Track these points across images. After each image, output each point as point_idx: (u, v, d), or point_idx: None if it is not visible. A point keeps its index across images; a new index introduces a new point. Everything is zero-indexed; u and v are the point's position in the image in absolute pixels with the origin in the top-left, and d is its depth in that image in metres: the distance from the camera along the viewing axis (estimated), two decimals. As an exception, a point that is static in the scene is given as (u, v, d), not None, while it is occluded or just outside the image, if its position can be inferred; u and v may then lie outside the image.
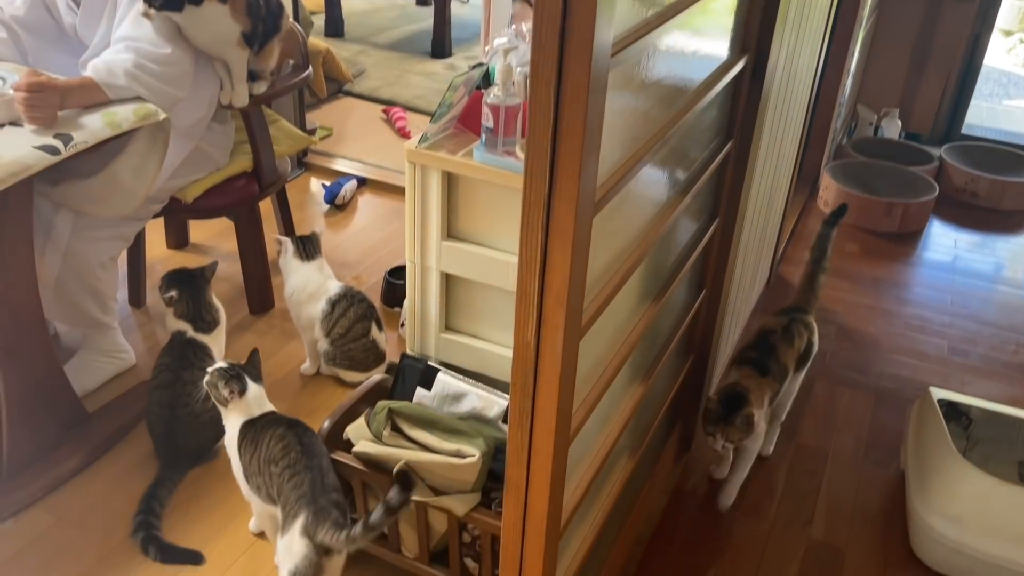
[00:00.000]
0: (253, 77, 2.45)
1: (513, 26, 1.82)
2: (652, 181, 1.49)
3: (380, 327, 2.53)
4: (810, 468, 2.33)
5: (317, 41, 4.42)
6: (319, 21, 5.34)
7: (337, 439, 1.80)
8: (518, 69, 1.65)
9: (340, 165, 3.85)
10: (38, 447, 2.12)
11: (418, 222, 1.78)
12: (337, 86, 4.60)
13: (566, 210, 1.04)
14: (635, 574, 1.97)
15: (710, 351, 2.23)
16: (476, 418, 1.79)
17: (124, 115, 2.02)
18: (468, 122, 1.76)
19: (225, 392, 1.78)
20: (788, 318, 2.24)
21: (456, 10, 5.61)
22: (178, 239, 3.17)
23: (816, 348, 2.32)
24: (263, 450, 1.72)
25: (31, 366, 2.06)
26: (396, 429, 1.72)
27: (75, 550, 1.95)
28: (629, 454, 1.80)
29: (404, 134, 4.21)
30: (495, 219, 1.73)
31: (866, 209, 3.64)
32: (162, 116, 2.09)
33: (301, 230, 3.22)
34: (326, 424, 1.80)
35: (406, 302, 2.65)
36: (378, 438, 1.71)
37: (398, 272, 2.95)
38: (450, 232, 1.78)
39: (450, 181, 1.73)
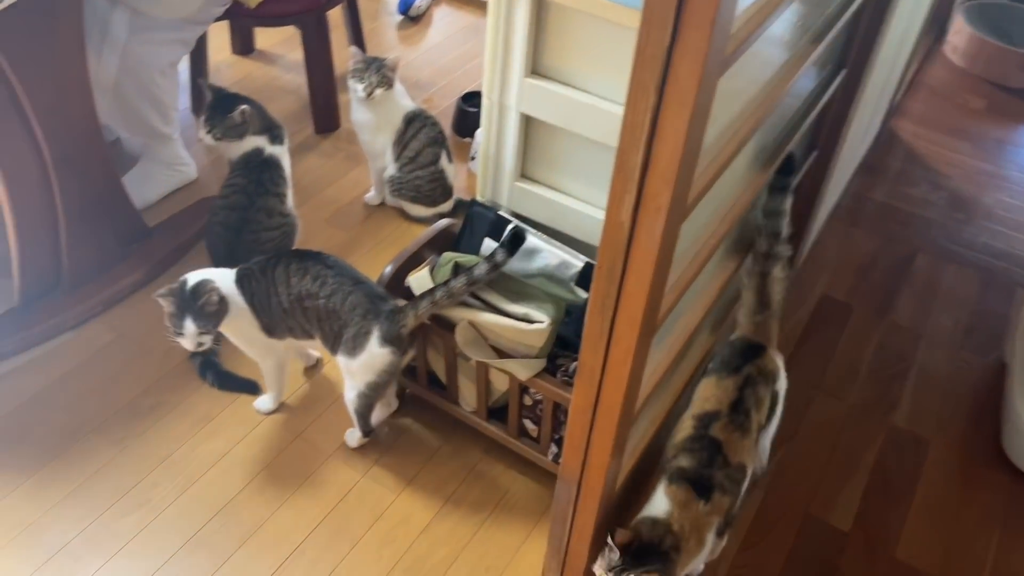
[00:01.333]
0: None
1: None
2: (781, 28, 1.25)
3: (450, 158, 2.37)
4: (900, 349, 2.17)
5: None
6: None
7: (398, 286, 1.69)
8: None
9: (417, -29, 3.53)
10: (98, 260, 2.07)
11: (499, 54, 1.56)
12: None
13: (689, 68, 0.83)
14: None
15: (810, 215, 2.02)
16: (547, 277, 1.65)
17: (179, -95, 1.80)
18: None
19: None
20: (738, 382, 1.49)
21: None
22: (243, 44, 2.98)
23: (783, 394, 1.61)
24: (283, 291, 1.64)
25: (88, 176, 1.97)
26: (461, 284, 1.60)
27: (135, 369, 1.94)
28: (710, 330, 1.66)
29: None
30: (589, 57, 1.51)
31: (999, 60, 3.23)
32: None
33: (372, 44, 3.01)
34: (388, 269, 1.69)
35: (479, 139, 2.49)
36: (442, 292, 1.59)
37: (472, 98, 2.74)
38: (535, 68, 1.57)
39: (540, 8, 1.50)
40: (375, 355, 1.59)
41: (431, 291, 1.56)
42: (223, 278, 1.66)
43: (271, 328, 1.69)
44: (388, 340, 1.58)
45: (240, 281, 1.67)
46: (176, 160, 2.41)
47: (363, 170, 2.55)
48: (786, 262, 1.57)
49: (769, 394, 1.52)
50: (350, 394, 1.69)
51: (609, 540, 1.28)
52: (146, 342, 2.01)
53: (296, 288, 1.63)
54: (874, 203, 2.64)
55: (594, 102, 1.53)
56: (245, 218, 2.02)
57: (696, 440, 1.43)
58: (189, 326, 1.60)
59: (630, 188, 0.94)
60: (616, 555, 1.27)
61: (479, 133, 2.56)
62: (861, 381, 2.07)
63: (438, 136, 2.30)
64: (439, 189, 2.35)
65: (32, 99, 1.77)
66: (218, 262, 2.10)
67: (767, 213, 1.54)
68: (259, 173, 2.03)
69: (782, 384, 1.58)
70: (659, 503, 1.36)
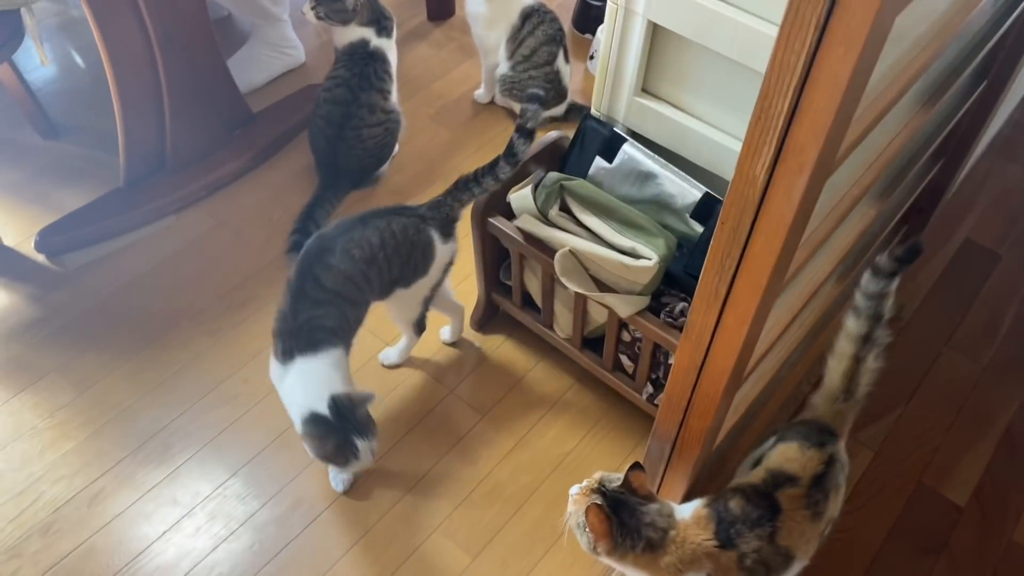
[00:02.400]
0: None
1: None
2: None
3: (567, 58, 2.20)
4: (1048, 309, 1.94)
5: None
6: None
7: (498, 201, 1.59)
8: None
9: None
10: (201, 144, 2.04)
11: (630, -50, 1.38)
12: None
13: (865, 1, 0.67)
14: (808, 397, 1.75)
15: (966, 153, 1.79)
16: (660, 205, 1.52)
17: None
18: None
19: None
20: (823, 456, 1.24)
21: None
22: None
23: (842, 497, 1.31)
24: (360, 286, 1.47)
25: (192, 56, 1.91)
26: (565, 209, 1.48)
27: (232, 258, 1.93)
28: (836, 281, 1.50)
29: None
30: (732, -38, 1.32)
31: None
32: None
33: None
34: (490, 183, 1.58)
35: (600, 38, 2.30)
36: (544, 215, 1.48)
37: (596, -9, 2.54)
38: (670, -31, 1.38)
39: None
40: (441, 252, 1.56)
41: (468, 182, 1.54)
42: (324, 365, 1.41)
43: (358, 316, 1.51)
44: (446, 235, 1.55)
45: (331, 338, 1.43)
46: (284, 43, 2.33)
47: (474, 64, 2.41)
48: (883, 349, 1.30)
49: (844, 485, 1.27)
50: (412, 312, 1.63)
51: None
52: (245, 231, 1.99)
53: (357, 272, 1.45)
54: (1040, 137, 2.34)
55: (733, 13, 1.34)
56: (348, 113, 1.94)
57: (759, 494, 1.20)
58: (361, 443, 1.38)
59: (770, 140, 0.80)
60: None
61: (601, 31, 2.38)
62: (1000, 340, 1.87)
63: (556, 34, 2.14)
64: (553, 91, 2.20)
65: (137, -25, 1.70)
66: (319, 156, 2.04)
67: (870, 296, 1.26)
68: (363, 66, 1.94)
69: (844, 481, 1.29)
70: (683, 509, 1.22)
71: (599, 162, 1.58)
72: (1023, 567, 1.54)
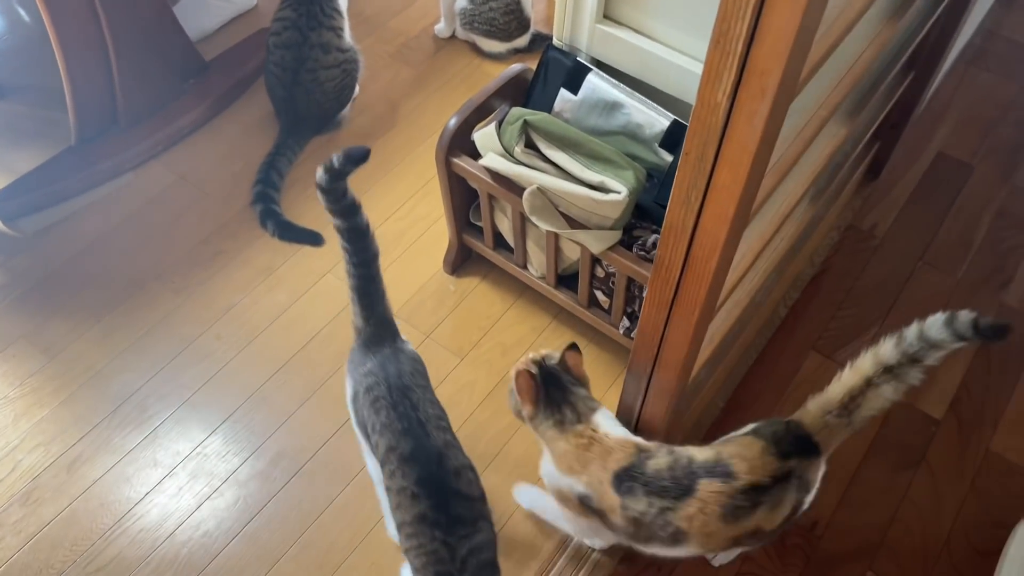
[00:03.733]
0: None
1: None
2: None
3: (530, -12, 2.13)
4: (1023, 218, 1.94)
5: None
6: None
7: (463, 141, 1.55)
8: None
9: None
10: (154, 97, 1.97)
11: None
12: None
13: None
14: (785, 320, 1.75)
15: (936, 65, 1.76)
16: (629, 136, 1.48)
17: None
18: None
19: None
20: (776, 469, 1.13)
21: None
22: None
23: (803, 509, 1.20)
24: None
25: (136, 4, 1.83)
26: (531, 146, 1.45)
27: (195, 213, 1.89)
28: (810, 200, 1.48)
29: None
30: None
31: None
32: None
33: None
34: (452, 122, 1.54)
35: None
36: (509, 153, 1.44)
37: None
38: None
39: None
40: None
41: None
42: None
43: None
44: None
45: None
46: (234, -15, 2.24)
47: (433, -2, 2.34)
48: (903, 389, 1.14)
49: (792, 504, 1.16)
50: None
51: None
52: (206, 185, 1.94)
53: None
54: (1013, 44, 2.30)
55: (694, -69, 1.29)
56: (300, 56, 1.88)
57: (684, 471, 1.14)
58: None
59: (729, 64, 0.76)
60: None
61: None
62: (973, 253, 1.87)
63: (516, -38, 2.06)
64: (515, 22, 2.14)
65: (69, -81, 1.61)
66: (277, 103, 1.98)
67: (925, 339, 1.09)
68: (308, 4, 1.87)
69: (810, 499, 1.20)
70: (615, 426, 1.22)
71: (564, 94, 1.54)
72: (1001, 475, 1.56)
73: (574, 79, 1.52)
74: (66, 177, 1.86)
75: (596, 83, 1.50)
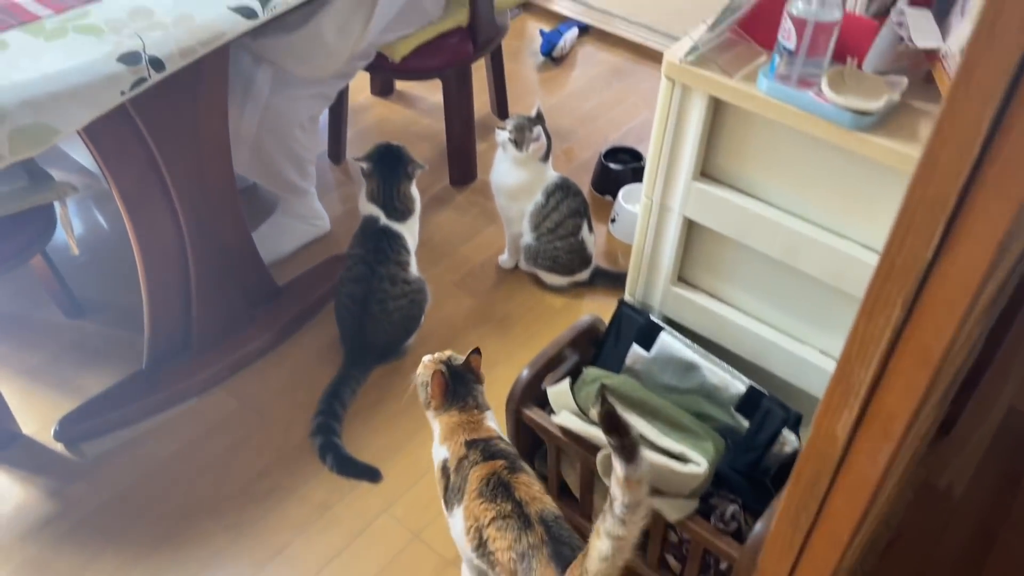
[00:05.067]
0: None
1: None
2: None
3: (591, 227, 2.21)
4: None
5: None
6: None
7: (534, 390, 1.55)
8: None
9: (561, 6, 3.39)
10: (226, 323, 2.02)
11: (665, 153, 1.39)
12: (567, -95, 4.03)
13: (958, 286, 0.64)
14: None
15: (1009, 326, 1.75)
16: (705, 396, 1.47)
17: (330, -33, 1.71)
18: (752, 27, 1.31)
19: None
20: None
21: None
22: (383, 86, 2.92)
23: None
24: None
25: (221, 239, 1.92)
26: (607, 407, 1.44)
27: (255, 442, 1.88)
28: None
29: (637, -28, 3.64)
30: (772, 165, 1.32)
31: None
32: (372, -32, 1.76)
33: (512, 87, 2.88)
34: (524, 374, 1.55)
35: (622, 200, 2.33)
36: (584, 413, 1.43)
37: (615, 154, 2.58)
38: (705, 170, 1.39)
39: (717, 107, 1.31)
40: None
41: None
42: None
43: None
44: None
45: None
46: (310, 214, 2.35)
47: (498, 228, 2.42)
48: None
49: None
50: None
51: None
52: (268, 413, 1.94)
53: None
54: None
55: (771, 214, 1.33)
56: (369, 288, 1.94)
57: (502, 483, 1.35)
58: None
59: (851, 404, 0.75)
60: None
61: (622, 193, 2.41)
62: (1057, 521, 1.79)
63: (580, 206, 2.15)
64: (577, 259, 2.20)
65: (171, 166, 1.72)
66: (345, 333, 2.02)
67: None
68: (377, 241, 1.96)
69: None
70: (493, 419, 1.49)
71: (636, 350, 1.54)
72: None
73: (647, 336, 1.54)
74: (133, 402, 1.88)
75: (670, 342, 1.51)
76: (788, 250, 1.33)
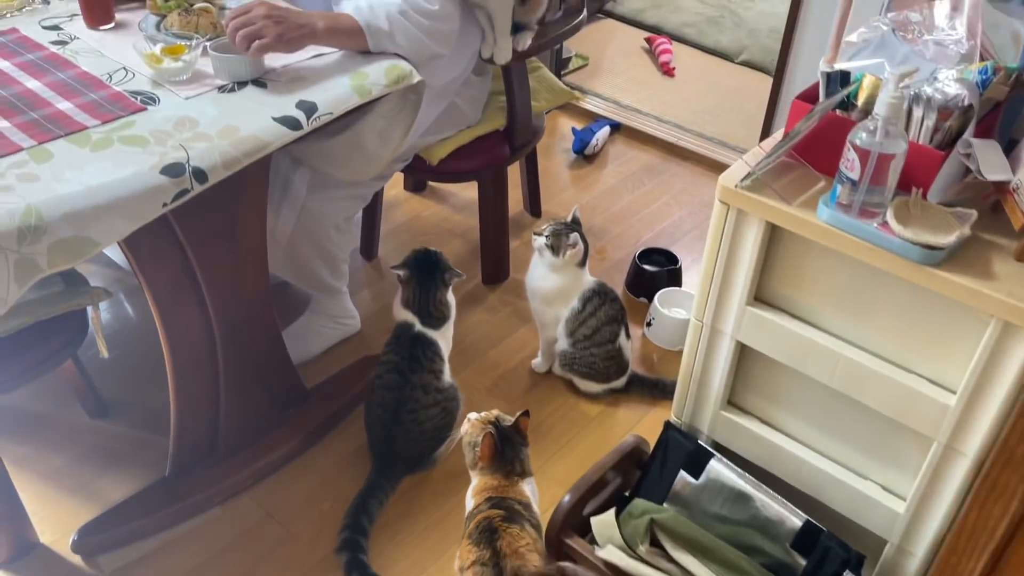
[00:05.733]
0: (517, 29, 2.06)
1: (890, 16, 1.29)
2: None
3: (628, 334, 2.16)
4: None
5: (583, -47, 3.92)
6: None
7: (576, 517, 1.47)
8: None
9: (593, 104, 3.42)
10: (253, 428, 1.97)
11: (717, 275, 1.35)
12: (598, 4, 4.12)
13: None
14: None
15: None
16: (758, 529, 1.39)
17: (375, 78, 1.71)
18: (809, 153, 1.29)
19: None
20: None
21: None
22: (416, 182, 2.92)
23: None
24: None
25: (253, 343, 1.88)
26: (655, 543, 1.36)
27: (280, 556, 1.80)
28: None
29: (668, 71, 3.70)
30: (831, 293, 1.27)
31: None
32: (416, 79, 1.76)
33: (545, 183, 2.88)
34: (566, 500, 1.48)
35: (657, 304, 2.29)
36: (632, 548, 1.36)
37: (649, 255, 2.55)
38: (759, 295, 1.34)
39: (773, 232, 1.28)
40: None
41: None
42: None
43: None
44: None
45: None
46: (342, 313, 2.32)
47: (531, 329, 2.38)
48: None
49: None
50: None
51: None
52: (293, 524, 1.87)
53: None
54: None
55: (830, 343, 1.28)
56: (401, 397, 1.88)
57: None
58: None
59: (958, 594, 0.69)
60: None
61: (658, 297, 2.36)
62: None
63: (618, 314, 2.11)
64: (614, 367, 2.14)
65: (206, 271, 1.70)
66: (374, 441, 1.97)
67: None
68: (411, 348, 1.91)
69: None
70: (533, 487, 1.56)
71: (683, 476, 1.47)
72: None
73: (695, 462, 1.47)
74: (154, 512, 1.81)
75: (720, 470, 1.44)
76: (849, 381, 1.27)
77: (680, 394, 1.52)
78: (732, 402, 1.48)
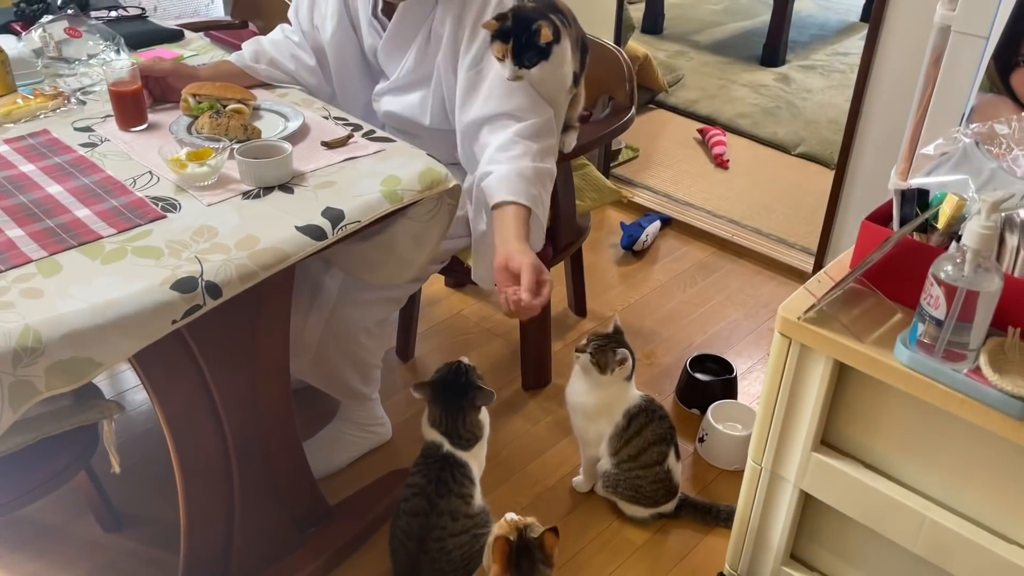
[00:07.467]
0: (563, 129, 1.97)
1: (973, 128, 1.15)
2: None
3: (678, 454, 1.99)
4: None
5: (635, 46, 3.89)
6: (636, 13, 4.80)
7: None
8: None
9: (642, 198, 3.32)
10: (270, 549, 1.83)
11: (778, 415, 1.19)
12: (649, 95, 4.06)
13: None
14: None
15: None
16: None
17: (408, 183, 1.62)
18: (882, 280, 1.13)
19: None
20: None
21: (797, 4, 4.79)
22: (457, 278, 2.82)
23: None
24: None
25: (271, 461, 1.76)
26: None
27: None
28: None
29: (721, 163, 3.58)
30: (912, 443, 1.10)
31: None
32: (452, 183, 1.67)
33: (590, 281, 2.75)
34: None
35: (710, 417, 2.13)
36: None
37: (701, 362, 2.39)
38: (826, 439, 1.18)
39: (842, 370, 1.12)
40: None
41: None
42: None
43: None
44: None
45: None
46: (372, 421, 2.19)
47: (572, 442, 2.21)
48: None
49: None
50: None
51: None
52: (308, 663, 1.71)
53: None
54: None
55: (912, 501, 1.11)
56: (427, 524, 1.73)
57: None
58: None
59: None
60: None
61: (711, 411, 2.19)
62: None
63: (667, 433, 1.94)
64: (662, 491, 1.96)
65: (222, 389, 1.59)
66: (398, 570, 1.80)
67: None
68: (439, 471, 1.76)
69: None
70: None
71: (739, 640, 1.29)
72: None
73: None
74: (157, 647, 1.68)
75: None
76: (934, 548, 1.09)
77: (735, 543, 1.35)
78: (795, 556, 1.30)
